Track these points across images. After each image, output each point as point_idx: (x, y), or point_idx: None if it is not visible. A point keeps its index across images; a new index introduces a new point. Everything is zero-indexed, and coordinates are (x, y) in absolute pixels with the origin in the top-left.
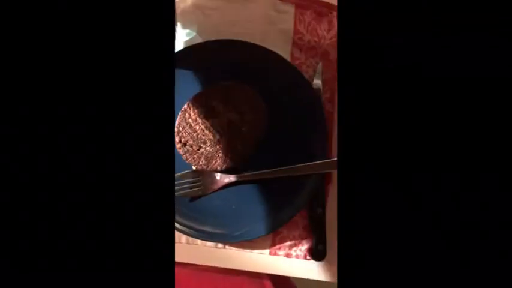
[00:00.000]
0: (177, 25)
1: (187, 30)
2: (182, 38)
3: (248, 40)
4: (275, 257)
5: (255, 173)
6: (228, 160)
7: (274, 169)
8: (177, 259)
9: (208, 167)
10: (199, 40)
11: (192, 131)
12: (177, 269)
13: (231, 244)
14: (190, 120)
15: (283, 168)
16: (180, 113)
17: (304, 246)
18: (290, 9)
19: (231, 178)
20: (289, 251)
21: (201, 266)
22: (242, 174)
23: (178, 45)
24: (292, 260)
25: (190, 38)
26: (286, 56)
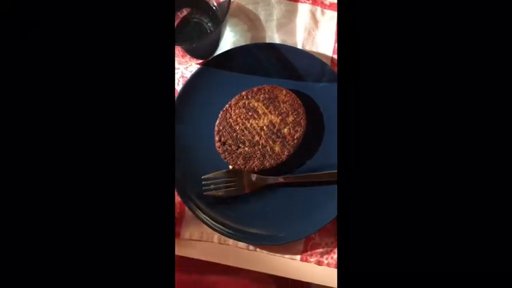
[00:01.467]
0: (225, 27)
1: (232, 33)
2: (229, 39)
3: (290, 44)
4: (306, 263)
5: (291, 176)
6: (266, 162)
7: (309, 173)
8: (207, 258)
9: (245, 167)
10: (243, 42)
11: (231, 131)
12: (180, 275)
13: (263, 247)
14: (230, 120)
15: (319, 173)
16: (221, 113)
17: (336, 255)
18: (333, 16)
19: (267, 180)
20: (320, 259)
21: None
22: (278, 177)
23: (227, 46)
24: (323, 268)
25: (235, 40)
26: (327, 60)
